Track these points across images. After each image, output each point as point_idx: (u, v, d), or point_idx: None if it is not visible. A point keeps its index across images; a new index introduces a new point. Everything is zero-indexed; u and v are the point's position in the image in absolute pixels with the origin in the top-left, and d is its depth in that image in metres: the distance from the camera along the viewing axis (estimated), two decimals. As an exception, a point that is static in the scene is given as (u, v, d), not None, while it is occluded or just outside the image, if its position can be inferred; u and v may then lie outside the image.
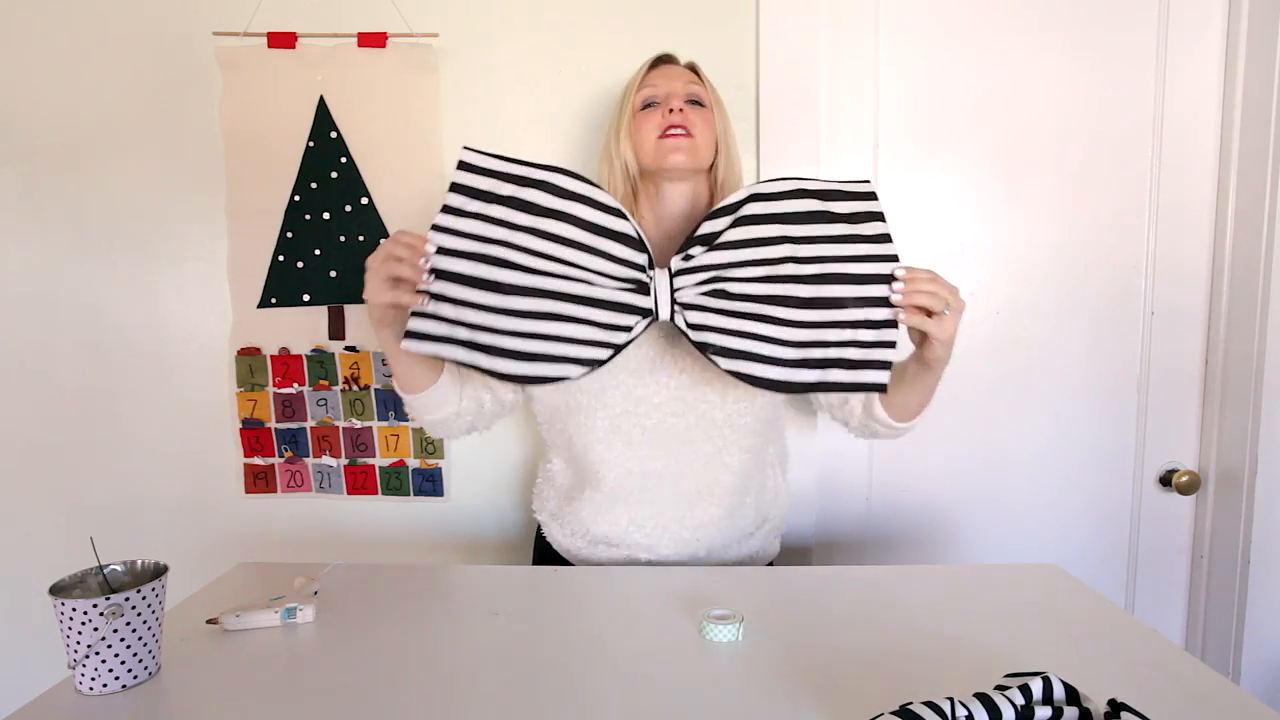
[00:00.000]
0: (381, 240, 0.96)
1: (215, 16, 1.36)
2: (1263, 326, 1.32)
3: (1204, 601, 1.46)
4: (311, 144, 1.38)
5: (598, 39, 1.37)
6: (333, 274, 1.41)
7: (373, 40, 1.35)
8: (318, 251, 1.41)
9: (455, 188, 0.95)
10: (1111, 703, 0.59)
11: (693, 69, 1.14)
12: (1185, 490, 1.44)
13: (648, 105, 1.08)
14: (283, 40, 1.36)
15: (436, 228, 0.94)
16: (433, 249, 0.93)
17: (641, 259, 0.95)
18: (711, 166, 1.10)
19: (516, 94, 1.39)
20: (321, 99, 1.37)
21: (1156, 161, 1.40)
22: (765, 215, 0.96)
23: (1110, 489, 1.47)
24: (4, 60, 1.41)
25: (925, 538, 1.49)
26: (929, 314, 0.93)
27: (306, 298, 1.42)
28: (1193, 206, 1.40)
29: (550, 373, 0.92)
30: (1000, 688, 0.62)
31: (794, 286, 0.94)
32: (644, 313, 0.94)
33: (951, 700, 0.60)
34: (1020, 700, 0.60)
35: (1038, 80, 1.39)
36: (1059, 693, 0.61)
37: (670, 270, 0.96)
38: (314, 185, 1.39)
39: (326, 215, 1.40)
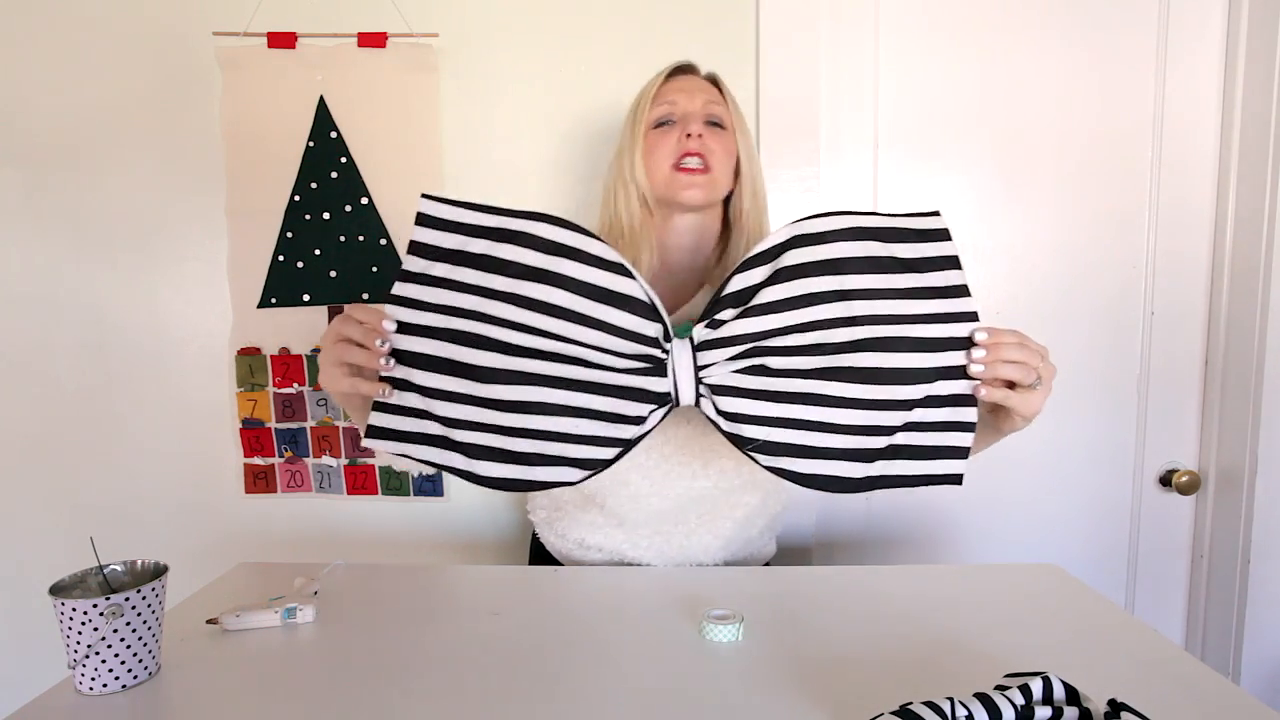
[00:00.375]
0: (339, 312, 0.81)
1: (215, 16, 1.36)
2: (1263, 326, 1.32)
3: (1204, 601, 1.46)
4: (311, 144, 1.38)
5: (598, 39, 1.37)
6: (333, 274, 1.41)
7: (373, 40, 1.35)
8: (318, 251, 1.41)
9: (415, 248, 0.78)
10: (1111, 703, 0.59)
11: (714, 81, 1.04)
12: (1185, 490, 1.44)
13: (663, 123, 0.98)
14: (283, 40, 1.36)
15: (395, 299, 0.77)
16: (391, 327, 0.77)
17: (654, 329, 0.77)
18: (730, 194, 1.01)
19: (516, 94, 1.39)
20: (321, 99, 1.37)
21: (1156, 161, 1.40)
22: (812, 264, 0.77)
23: (1110, 489, 1.47)
24: (4, 60, 1.41)
25: (925, 538, 1.49)
26: (1012, 385, 0.79)
27: (306, 298, 1.42)
28: (1193, 206, 1.40)
29: (543, 477, 0.77)
30: (1000, 688, 0.62)
31: (851, 356, 0.76)
32: (660, 399, 0.78)
33: (951, 700, 0.60)
34: (1020, 700, 0.60)
35: (1038, 80, 1.39)
36: (1059, 693, 0.61)
37: (693, 341, 0.78)
38: (314, 185, 1.39)
39: (326, 215, 1.40)
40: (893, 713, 0.61)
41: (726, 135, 0.98)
